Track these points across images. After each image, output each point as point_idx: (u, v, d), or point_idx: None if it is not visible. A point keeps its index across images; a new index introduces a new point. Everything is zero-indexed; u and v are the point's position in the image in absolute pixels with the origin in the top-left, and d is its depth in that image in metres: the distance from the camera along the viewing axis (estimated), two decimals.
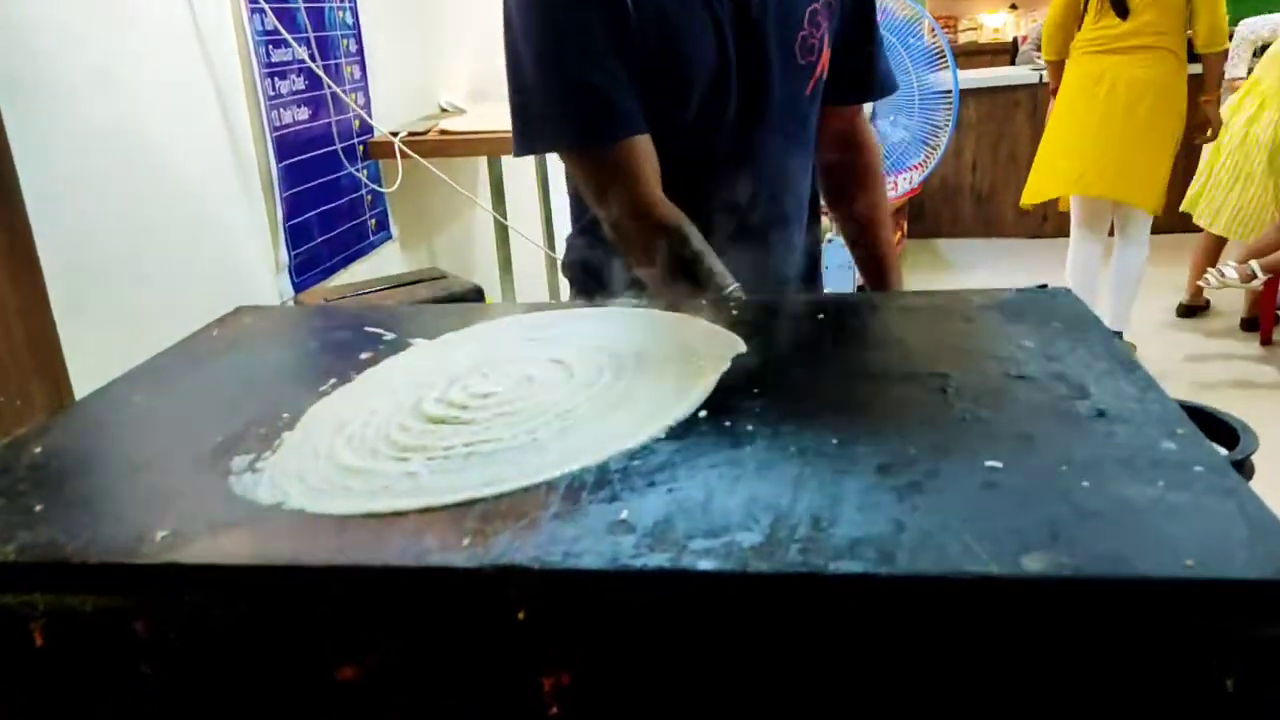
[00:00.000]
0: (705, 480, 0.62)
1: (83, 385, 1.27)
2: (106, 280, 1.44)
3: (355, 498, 0.63)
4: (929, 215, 5.61)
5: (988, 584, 0.50)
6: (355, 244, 2.28)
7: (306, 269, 2.04)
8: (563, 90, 1.09)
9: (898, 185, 3.76)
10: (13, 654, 0.59)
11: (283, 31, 1.89)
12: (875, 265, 1.37)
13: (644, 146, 1.11)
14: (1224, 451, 0.72)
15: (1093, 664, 0.50)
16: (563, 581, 0.54)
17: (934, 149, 3.27)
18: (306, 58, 1.97)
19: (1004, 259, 5.06)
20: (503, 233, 2.70)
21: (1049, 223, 5.16)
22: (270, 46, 1.89)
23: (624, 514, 0.58)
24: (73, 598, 0.58)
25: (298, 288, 1.98)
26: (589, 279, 1.28)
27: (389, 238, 2.46)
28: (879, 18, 1.31)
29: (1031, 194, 3.56)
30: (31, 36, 1.30)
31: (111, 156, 1.45)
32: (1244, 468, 0.68)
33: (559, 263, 1.39)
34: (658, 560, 0.53)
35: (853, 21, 1.24)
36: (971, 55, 5.97)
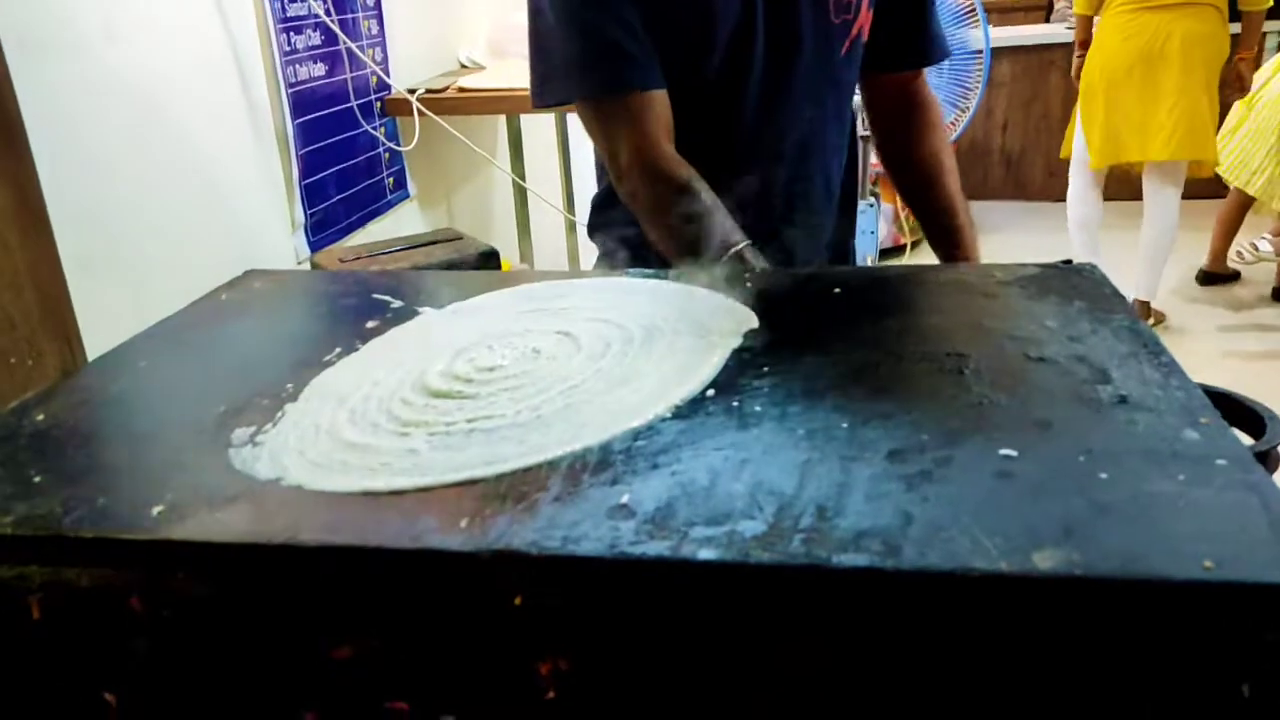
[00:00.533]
0: (710, 464, 0.60)
1: (95, 343, 1.27)
2: (119, 238, 1.43)
3: (354, 474, 0.62)
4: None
5: (997, 581, 0.48)
6: (372, 203, 2.26)
7: (323, 228, 2.02)
8: (578, 40, 1.07)
9: None
10: (10, 626, 0.59)
11: None
12: (945, 229, 1.21)
13: (658, 101, 1.08)
14: (1250, 441, 0.70)
15: (1104, 665, 0.48)
16: (560, 567, 0.53)
17: (963, 111, 3.20)
18: (321, 12, 1.94)
19: (1033, 222, 4.97)
20: (521, 194, 2.67)
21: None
22: (286, 0, 1.86)
23: (625, 498, 0.57)
24: (69, 571, 0.58)
25: (313, 246, 1.97)
26: (614, 242, 1.26)
27: (407, 196, 2.44)
28: None
29: (1105, 156, 3.39)
30: None
31: (123, 112, 1.44)
32: (1270, 458, 0.66)
33: (578, 225, 1.37)
34: (657, 548, 0.52)
35: None
36: (1005, 13, 5.81)
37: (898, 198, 4.26)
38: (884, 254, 3.82)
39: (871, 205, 2.51)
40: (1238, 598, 0.46)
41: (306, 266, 1.92)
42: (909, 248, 3.94)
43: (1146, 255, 3.43)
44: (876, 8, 1.17)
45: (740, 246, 1.00)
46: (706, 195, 1.04)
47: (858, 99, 1.28)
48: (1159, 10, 3.10)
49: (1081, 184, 3.53)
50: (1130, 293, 3.46)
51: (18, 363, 1.10)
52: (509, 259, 2.61)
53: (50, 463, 0.67)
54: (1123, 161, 3.37)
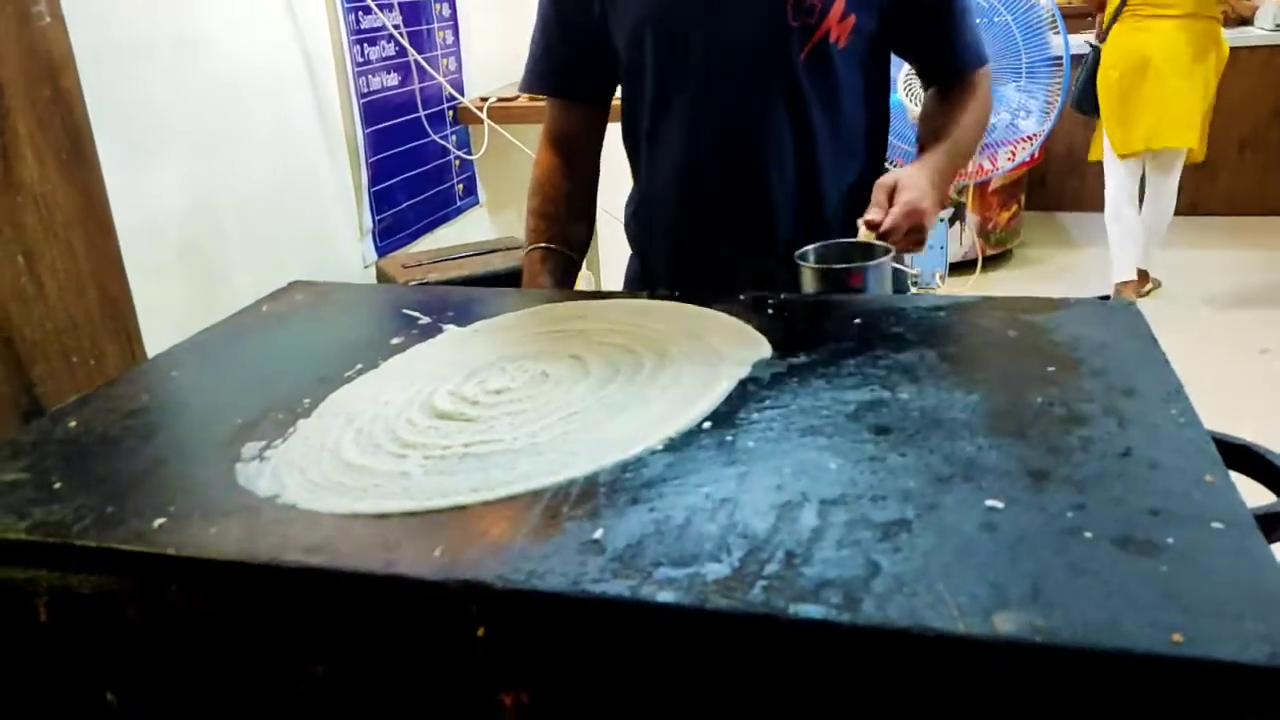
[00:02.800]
0: (690, 501, 0.60)
1: (160, 345, 1.33)
2: (188, 243, 1.50)
3: (346, 495, 0.64)
4: (1051, 186, 5.33)
5: (953, 642, 0.47)
6: (441, 209, 2.31)
7: (391, 233, 2.07)
8: (534, 37, 1.27)
9: (1015, 155, 3.59)
10: (20, 628, 0.62)
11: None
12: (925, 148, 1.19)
13: (556, 107, 1.29)
14: (1273, 497, 0.67)
15: None
16: (522, 601, 0.53)
17: (1050, 122, 3.09)
18: (391, 26, 1.99)
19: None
20: None
21: (1179, 198, 4.87)
22: (360, 13, 1.91)
23: (598, 533, 0.57)
24: (73, 578, 0.61)
25: (380, 252, 2.02)
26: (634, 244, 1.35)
27: (477, 203, 2.48)
28: None
29: (1126, 145, 3.64)
30: (117, 3, 1.35)
31: (194, 121, 1.50)
32: None
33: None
34: (617, 588, 0.52)
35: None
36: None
37: (985, 210, 4.15)
38: (954, 269, 3.71)
39: (941, 220, 2.45)
40: (1206, 677, 0.44)
41: (372, 272, 1.98)
42: (980, 263, 3.83)
43: (1151, 231, 3.73)
44: (900, 28, 1.15)
45: (529, 248, 1.24)
46: (546, 204, 1.26)
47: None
48: (1164, 19, 3.40)
49: (1118, 181, 3.76)
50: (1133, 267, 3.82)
51: (79, 362, 1.15)
52: None
53: (73, 470, 0.70)
54: (1138, 150, 3.63)
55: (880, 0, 1.13)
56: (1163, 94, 3.44)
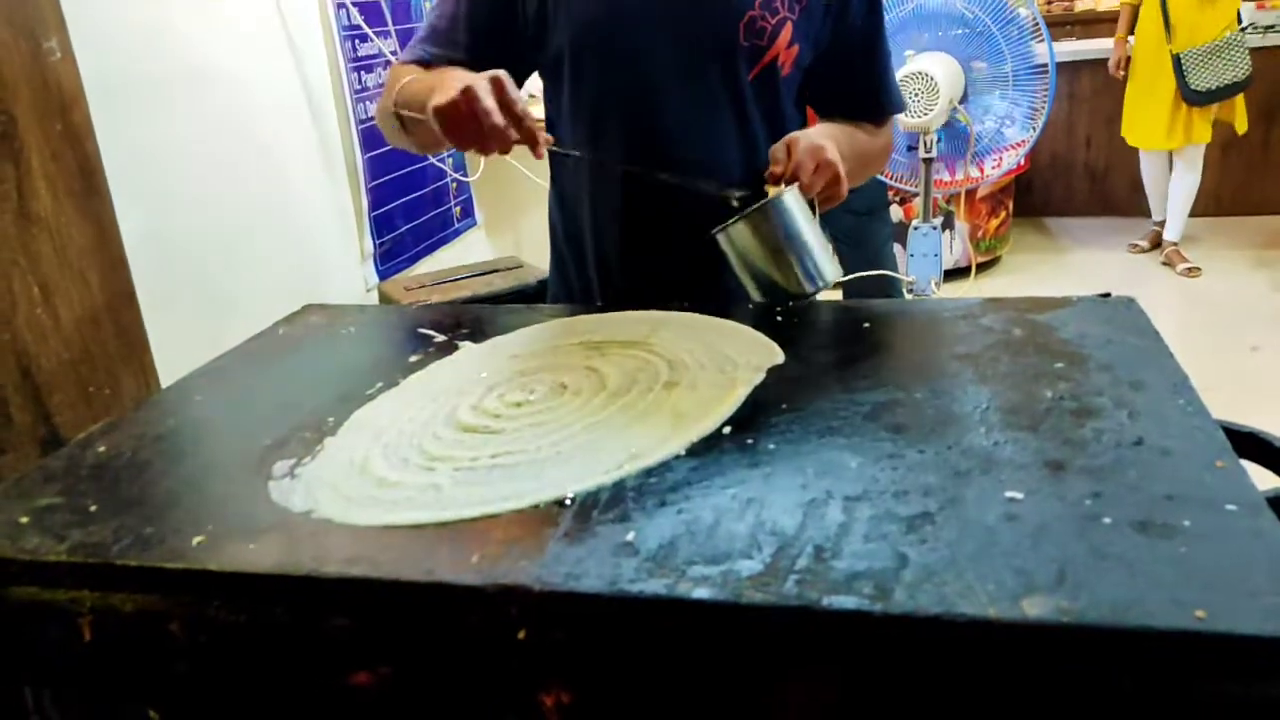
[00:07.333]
0: (716, 503, 0.62)
1: (172, 373, 1.34)
2: (196, 273, 1.51)
3: (379, 508, 0.66)
4: (1038, 192, 5.38)
5: (984, 627, 0.49)
6: (439, 231, 2.33)
7: (391, 257, 2.09)
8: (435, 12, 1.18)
9: (1001, 162, 3.63)
10: (64, 647, 0.63)
11: (364, 27, 1.93)
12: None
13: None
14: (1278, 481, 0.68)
15: (1098, 713, 0.48)
16: (561, 602, 0.55)
17: (1034, 129, 3.13)
18: (388, 53, 2.01)
19: (1116, 238, 4.83)
20: None
21: None
22: (357, 41, 1.94)
23: (630, 535, 0.59)
24: (115, 596, 0.62)
25: (382, 275, 2.04)
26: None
27: (474, 224, 2.51)
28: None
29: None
30: (125, 38, 1.37)
31: (199, 152, 1.52)
32: None
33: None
34: (654, 586, 0.54)
35: (856, 37, 1.18)
36: (1089, 24, 5.65)
37: (974, 217, 4.19)
38: (949, 275, 3.74)
39: (935, 228, 2.48)
40: (1228, 650, 0.46)
41: (375, 295, 1.99)
42: (974, 270, 3.87)
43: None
44: (820, 55, 1.16)
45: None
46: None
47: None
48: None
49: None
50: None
51: (95, 392, 1.17)
52: None
53: (106, 492, 0.72)
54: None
55: (820, 34, 1.15)
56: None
